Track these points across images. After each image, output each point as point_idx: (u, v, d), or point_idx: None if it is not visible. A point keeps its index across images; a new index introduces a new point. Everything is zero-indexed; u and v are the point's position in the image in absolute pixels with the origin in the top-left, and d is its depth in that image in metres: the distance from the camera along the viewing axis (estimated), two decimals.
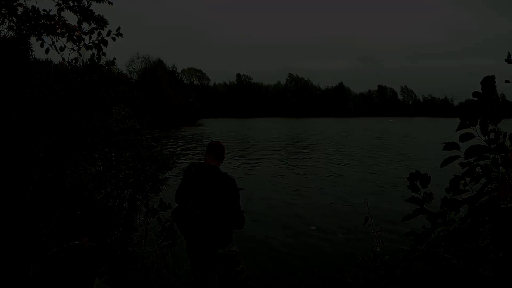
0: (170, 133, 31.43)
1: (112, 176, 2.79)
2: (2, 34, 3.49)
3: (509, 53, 1.64)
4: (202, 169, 2.76)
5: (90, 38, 3.50)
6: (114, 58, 3.70)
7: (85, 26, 3.49)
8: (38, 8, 3.43)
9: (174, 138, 26.68)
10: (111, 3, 3.57)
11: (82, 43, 3.50)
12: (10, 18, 3.39)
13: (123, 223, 2.94)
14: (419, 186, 1.94)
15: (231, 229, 2.76)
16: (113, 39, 3.51)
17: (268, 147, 20.31)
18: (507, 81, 1.50)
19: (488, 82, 1.55)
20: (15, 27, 3.41)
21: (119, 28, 3.52)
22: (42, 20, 3.44)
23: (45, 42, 3.45)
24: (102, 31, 3.50)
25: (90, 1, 3.46)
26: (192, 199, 2.64)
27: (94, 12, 3.51)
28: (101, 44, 3.50)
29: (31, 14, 3.40)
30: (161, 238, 2.94)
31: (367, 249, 2.48)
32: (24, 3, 3.42)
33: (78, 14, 3.49)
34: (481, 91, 1.56)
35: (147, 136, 3.25)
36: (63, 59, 3.50)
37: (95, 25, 3.48)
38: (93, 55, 3.53)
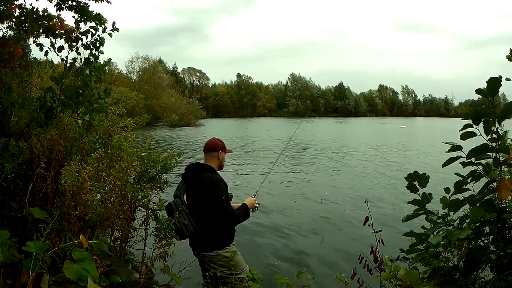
0: (170, 133, 31.43)
1: (110, 175, 2.77)
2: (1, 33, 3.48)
3: (510, 50, 1.64)
4: (190, 168, 2.85)
5: (87, 37, 3.49)
6: (110, 59, 3.71)
7: (82, 26, 3.49)
8: (37, 9, 3.43)
9: (174, 138, 26.68)
10: (110, 2, 3.56)
11: (80, 43, 3.50)
12: (9, 19, 3.38)
13: (122, 222, 2.93)
14: (418, 186, 1.94)
15: (224, 228, 2.76)
16: (110, 35, 3.50)
17: (268, 147, 20.31)
18: (508, 79, 1.49)
19: (494, 82, 1.55)
20: (14, 27, 3.40)
21: (114, 24, 3.50)
22: (41, 21, 3.43)
23: (44, 46, 3.45)
24: (98, 29, 3.49)
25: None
26: (180, 197, 2.77)
27: (93, 11, 3.50)
28: (97, 43, 3.49)
29: (30, 14, 3.39)
30: (159, 238, 2.92)
31: (367, 249, 2.46)
32: (24, 3, 3.42)
33: (77, 14, 3.48)
34: (484, 89, 1.56)
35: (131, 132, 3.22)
36: (62, 59, 3.50)
37: (92, 24, 3.47)
38: (90, 54, 3.52)
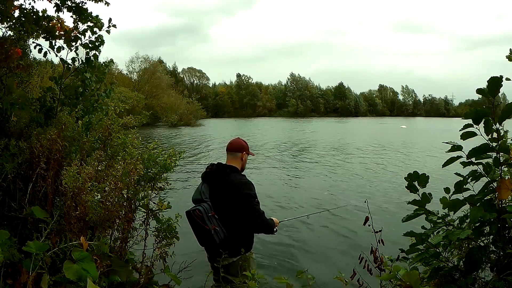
0: (170, 133, 31.43)
1: (110, 176, 2.76)
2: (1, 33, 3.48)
3: (510, 50, 1.64)
4: (213, 170, 2.70)
5: (85, 36, 3.49)
6: (111, 59, 3.71)
7: (80, 25, 3.49)
8: (37, 9, 3.43)
9: (174, 138, 26.67)
10: (108, 4, 3.56)
11: (79, 42, 3.50)
12: (8, 20, 3.38)
13: (122, 223, 2.93)
14: (418, 186, 1.94)
15: (249, 234, 2.70)
16: (108, 32, 3.50)
17: (268, 146, 20.30)
18: (508, 79, 1.49)
19: (495, 82, 1.55)
20: (13, 27, 3.40)
21: (110, 20, 3.49)
22: (41, 22, 3.43)
23: (42, 47, 3.45)
24: (95, 31, 3.49)
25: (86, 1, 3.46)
26: (207, 201, 2.60)
27: (91, 12, 3.50)
28: (97, 42, 3.49)
29: (29, 15, 3.38)
30: (159, 238, 2.92)
31: (367, 249, 2.46)
32: (24, 3, 3.42)
33: (75, 14, 3.48)
34: (485, 89, 1.55)
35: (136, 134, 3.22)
36: (61, 59, 3.50)
37: (90, 24, 3.47)
38: (88, 53, 3.52)
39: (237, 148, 2.74)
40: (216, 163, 2.74)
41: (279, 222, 2.86)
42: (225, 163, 2.73)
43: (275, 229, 2.76)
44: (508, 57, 1.80)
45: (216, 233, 2.51)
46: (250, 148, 2.88)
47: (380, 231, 2.44)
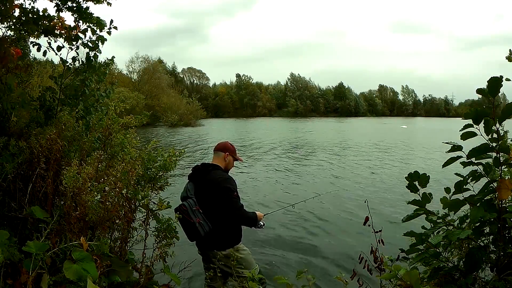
0: (170, 133, 31.44)
1: (110, 175, 2.76)
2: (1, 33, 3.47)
3: (510, 50, 1.64)
4: (198, 169, 2.89)
5: (85, 36, 3.48)
6: (113, 56, 3.69)
7: (81, 24, 3.48)
8: (37, 9, 3.42)
9: (174, 138, 26.68)
10: (110, 4, 3.55)
11: (80, 41, 3.49)
12: (9, 20, 3.37)
13: (122, 223, 2.92)
14: (418, 186, 1.94)
15: (235, 227, 2.82)
16: (109, 33, 3.49)
17: (267, 146, 20.30)
18: (508, 79, 1.49)
19: (495, 82, 1.55)
20: (13, 27, 3.39)
21: (112, 21, 3.49)
22: (41, 21, 3.42)
23: (42, 45, 3.44)
24: (96, 31, 3.48)
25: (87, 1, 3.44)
26: (192, 198, 2.78)
27: (93, 13, 3.49)
28: (98, 42, 3.48)
29: (30, 15, 3.38)
30: (159, 238, 2.92)
31: (367, 249, 2.46)
32: (24, 3, 3.41)
33: (76, 15, 3.47)
34: (485, 89, 1.55)
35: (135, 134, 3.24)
36: (61, 59, 3.49)
37: (92, 25, 3.46)
38: (88, 53, 3.50)
39: (221, 148, 2.96)
40: (201, 163, 2.94)
41: (264, 215, 2.98)
42: (210, 162, 2.93)
43: (262, 223, 2.90)
44: (508, 57, 1.80)
45: (201, 226, 2.68)
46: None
47: (380, 231, 2.44)
